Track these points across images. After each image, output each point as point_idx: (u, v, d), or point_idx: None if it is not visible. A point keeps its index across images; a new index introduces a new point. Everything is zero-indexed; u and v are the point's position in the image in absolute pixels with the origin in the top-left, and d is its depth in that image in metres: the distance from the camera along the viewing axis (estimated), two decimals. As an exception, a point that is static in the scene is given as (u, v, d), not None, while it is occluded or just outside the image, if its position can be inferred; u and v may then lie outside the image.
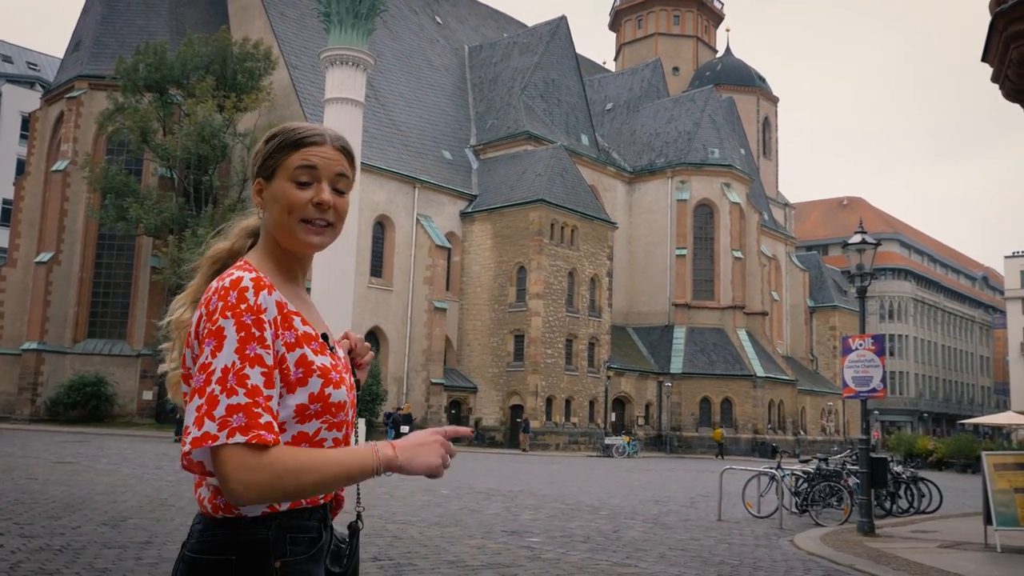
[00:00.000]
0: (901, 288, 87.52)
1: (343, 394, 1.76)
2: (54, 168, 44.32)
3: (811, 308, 70.80)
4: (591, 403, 48.53)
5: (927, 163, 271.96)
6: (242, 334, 1.62)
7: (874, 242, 12.45)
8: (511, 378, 45.99)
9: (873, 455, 12.40)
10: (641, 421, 52.56)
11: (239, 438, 1.56)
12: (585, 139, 57.71)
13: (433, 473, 1.73)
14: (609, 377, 49.07)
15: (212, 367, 1.60)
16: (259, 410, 1.59)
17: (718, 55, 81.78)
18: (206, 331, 1.64)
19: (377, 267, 45.29)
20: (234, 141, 40.27)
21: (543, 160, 48.91)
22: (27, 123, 53.79)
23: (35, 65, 69.09)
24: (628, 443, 44.13)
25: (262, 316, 1.65)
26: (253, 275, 1.69)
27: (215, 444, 1.56)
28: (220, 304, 1.64)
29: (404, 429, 34.83)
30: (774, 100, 79.33)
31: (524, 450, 42.61)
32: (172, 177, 41.75)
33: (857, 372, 12.21)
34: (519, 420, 45.33)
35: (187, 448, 1.60)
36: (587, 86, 62.44)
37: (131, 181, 40.34)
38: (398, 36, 55.21)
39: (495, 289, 47.46)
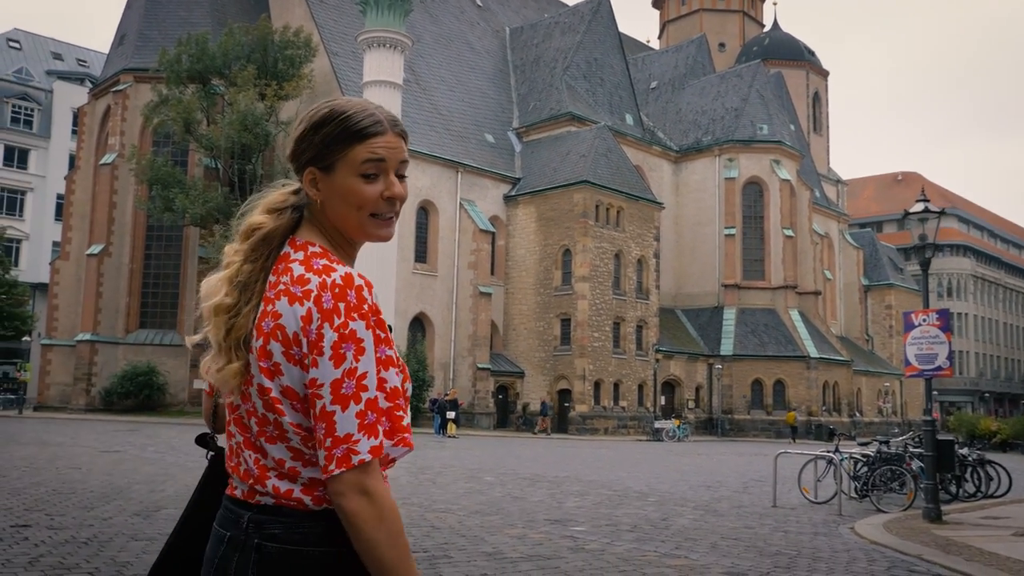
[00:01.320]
0: (960, 265, 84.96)
1: (410, 388, 1.73)
2: (102, 162, 44.84)
3: (866, 287, 69.01)
4: (640, 387, 47.86)
5: (985, 134, 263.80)
6: (372, 336, 1.59)
7: (937, 210, 11.67)
8: (558, 362, 45.52)
9: (939, 438, 11.67)
10: (691, 404, 51.74)
11: (390, 442, 1.61)
12: (629, 119, 56.76)
13: None
14: (658, 360, 48.33)
15: (360, 372, 1.56)
16: (400, 412, 1.61)
17: (765, 30, 79.89)
18: (337, 335, 1.56)
19: (421, 253, 45.09)
20: (276, 129, 40.35)
21: (587, 141, 48.17)
22: (77, 119, 54.60)
23: (84, 62, 70.15)
24: (678, 427, 43.42)
25: (381, 316, 1.63)
26: (356, 271, 1.64)
27: (385, 450, 1.58)
28: (341, 305, 1.58)
29: (450, 415, 34.67)
30: (824, 74, 77.32)
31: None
32: (217, 167, 41.96)
33: (921, 349, 11.46)
34: (567, 404, 44.88)
35: (367, 457, 1.55)
36: (631, 65, 61.37)
37: (176, 172, 40.62)
38: (438, 20, 54.78)
39: (540, 273, 46.96)
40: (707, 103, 60.41)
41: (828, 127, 77.26)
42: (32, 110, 60.91)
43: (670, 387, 51.21)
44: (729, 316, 54.21)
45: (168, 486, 12.20)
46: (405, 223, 42.99)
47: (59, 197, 56.72)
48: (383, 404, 1.59)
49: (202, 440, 1.93)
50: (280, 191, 1.80)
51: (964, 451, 15.53)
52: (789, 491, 14.54)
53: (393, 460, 1.68)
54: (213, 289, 1.73)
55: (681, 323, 54.93)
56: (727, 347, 52.60)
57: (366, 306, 1.60)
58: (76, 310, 44.19)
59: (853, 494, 13.89)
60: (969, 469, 15.17)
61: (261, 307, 1.66)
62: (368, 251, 25.16)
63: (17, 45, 66.10)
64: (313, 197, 1.74)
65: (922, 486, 12.65)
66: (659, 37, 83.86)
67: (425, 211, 45.62)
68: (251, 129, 39.15)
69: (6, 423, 30.06)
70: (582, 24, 55.72)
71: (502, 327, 47.78)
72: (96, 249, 43.49)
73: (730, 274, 55.44)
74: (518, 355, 47.26)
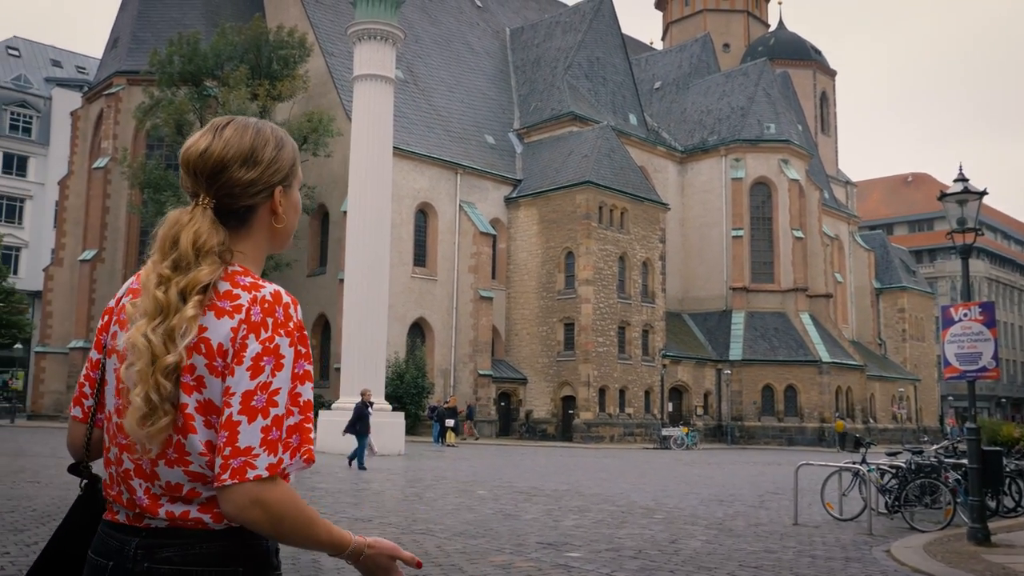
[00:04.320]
0: (974, 267, 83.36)
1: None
2: (95, 165, 43.94)
3: (877, 290, 67.53)
4: (646, 393, 46.54)
5: (993, 134, 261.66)
6: (294, 353, 1.59)
7: (978, 190, 10.41)
8: (562, 368, 44.24)
9: (985, 448, 10.38)
10: (700, 411, 50.36)
11: (297, 458, 1.57)
12: (633, 118, 55.56)
13: None
14: (665, 365, 47.00)
15: (274, 387, 1.55)
16: (309, 425, 1.60)
17: (771, 29, 78.65)
18: (261, 347, 1.55)
19: (420, 256, 43.89)
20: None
21: (589, 141, 46.97)
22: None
23: (83, 68, 69.39)
24: (686, 434, 42.07)
25: (304, 333, 1.64)
26: (282, 289, 1.63)
27: (284, 467, 1.54)
28: (269, 320, 1.57)
29: (449, 423, 33.42)
30: (831, 74, 76.01)
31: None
32: (210, 170, 40.85)
33: (962, 348, 10.17)
34: (571, 411, 43.58)
35: (264, 474, 1.51)
36: (634, 65, 60.18)
37: (169, 175, 39.52)
38: (437, 20, 53.73)
39: (543, 276, 45.72)
40: (712, 103, 59.17)
41: (836, 128, 75.94)
42: (31, 117, 60.17)
43: (677, 393, 49.86)
44: (738, 320, 52.87)
45: (123, 505, 11.00)
46: (404, 225, 41.85)
47: (58, 204, 55.86)
48: (295, 419, 1.57)
49: (75, 469, 1.82)
50: (207, 229, 1.62)
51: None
52: (810, 505, 13.27)
53: (288, 474, 1.60)
54: (148, 343, 1.57)
55: (688, 327, 53.61)
56: (736, 352, 51.23)
57: (292, 323, 1.59)
58: (70, 317, 43.15)
59: (882, 509, 12.60)
60: (1007, 481, 13.84)
61: None
62: (362, 255, 23.81)
63: (16, 53, 65.54)
64: (281, 217, 1.72)
65: (960, 501, 11.39)
66: (662, 39, 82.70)
67: (424, 214, 44.46)
68: (244, 130, 38.08)
69: (-12, 434, 28.95)
70: (583, 23, 54.60)
71: (504, 332, 46.53)
72: (89, 255, 42.52)
73: (738, 277, 54.11)
74: (520, 361, 46.01)
